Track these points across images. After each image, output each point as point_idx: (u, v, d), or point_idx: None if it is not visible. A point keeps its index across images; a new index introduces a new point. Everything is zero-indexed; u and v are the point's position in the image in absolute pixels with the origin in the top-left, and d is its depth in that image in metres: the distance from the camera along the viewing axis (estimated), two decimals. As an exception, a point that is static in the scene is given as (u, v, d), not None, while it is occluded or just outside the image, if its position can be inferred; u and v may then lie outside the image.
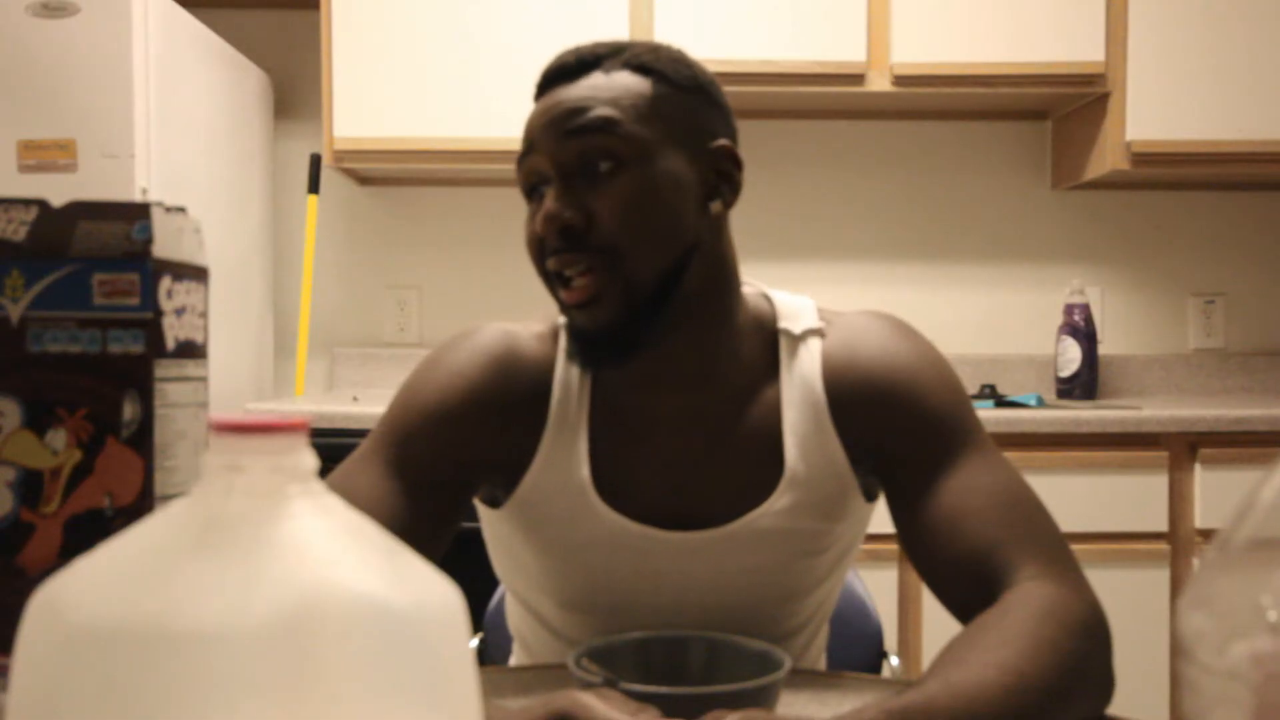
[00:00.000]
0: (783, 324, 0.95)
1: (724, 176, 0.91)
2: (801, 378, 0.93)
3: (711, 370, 0.93)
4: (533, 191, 0.90)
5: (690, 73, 0.91)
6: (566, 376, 0.94)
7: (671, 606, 0.94)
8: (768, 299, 0.98)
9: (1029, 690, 0.71)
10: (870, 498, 0.98)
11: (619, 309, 0.85)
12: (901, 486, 0.91)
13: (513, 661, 1.13)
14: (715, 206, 0.90)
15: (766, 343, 0.95)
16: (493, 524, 1.00)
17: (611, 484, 0.93)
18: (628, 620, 0.94)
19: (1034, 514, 0.86)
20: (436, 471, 0.91)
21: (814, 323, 0.96)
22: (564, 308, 0.89)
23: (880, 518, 0.99)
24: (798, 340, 0.95)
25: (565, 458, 0.93)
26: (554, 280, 0.88)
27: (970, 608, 0.83)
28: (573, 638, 0.98)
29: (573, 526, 0.92)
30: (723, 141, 0.91)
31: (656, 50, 0.90)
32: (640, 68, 0.89)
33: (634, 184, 0.86)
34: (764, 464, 0.93)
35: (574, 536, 0.93)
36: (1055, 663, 0.73)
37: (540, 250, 0.88)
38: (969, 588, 0.84)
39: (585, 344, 0.88)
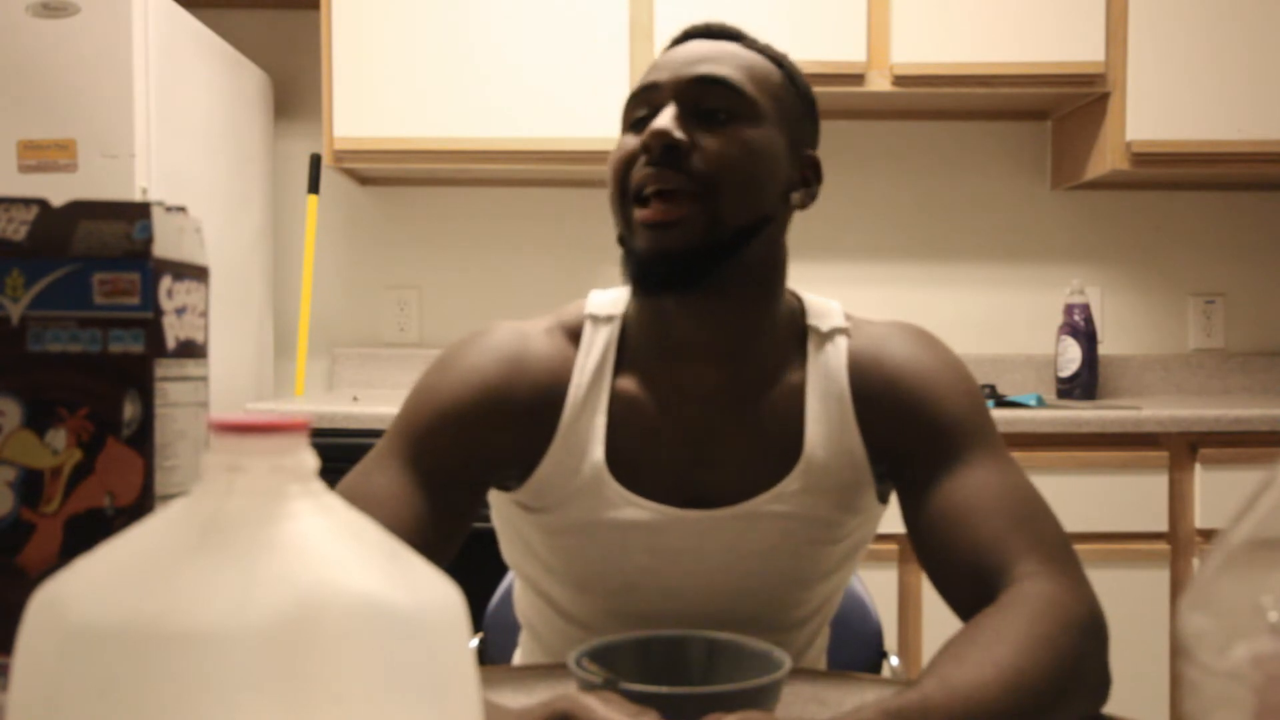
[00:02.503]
0: (812, 321, 0.99)
1: (805, 181, 0.97)
2: (827, 371, 0.96)
3: (744, 346, 0.95)
4: (637, 122, 0.93)
5: (807, 85, 0.98)
6: (586, 361, 0.96)
7: (682, 587, 0.95)
8: (798, 298, 1.02)
9: (1026, 688, 0.71)
10: (883, 499, 1.00)
11: (697, 239, 0.88)
12: (912, 483, 0.92)
13: (519, 649, 1.13)
14: (795, 197, 0.96)
15: (795, 336, 0.98)
16: (502, 506, 1.01)
17: (629, 463, 0.94)
18: (639, 601, 0.95)
19: (1038, 514, 0.87)
20: (454, 468, 0.92)
21: (841, 323, 0.99)
22: (633, 229, 0.90)
23: (883, 517, 1.00)
24: (825, 337, 0.97)
25: (581, 441, 0.94)
26: (630, 201, 0.90)
27: (971, 605, 0.83)
28: (582, 620, 0.99)
29: (586, 506, 0.94)
30: (814, 153, 0.99)
31: (786, 55, 0.98)
32: (774, 58, 0.96)
33: (742, 135, 0.90)
34: (783, 448, 0.94)
35: (587, 516, 0.94)
36: (1052, 660, 0.74)
37: (626, 168, 0.91)
38: (970, 585, 0.85)
39: (651, 265, 0.89)
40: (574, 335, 0.98)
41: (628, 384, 0.96)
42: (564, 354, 0.97)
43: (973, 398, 0.94)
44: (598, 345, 0.96)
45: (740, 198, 0.89)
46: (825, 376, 0.95)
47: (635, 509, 0.93)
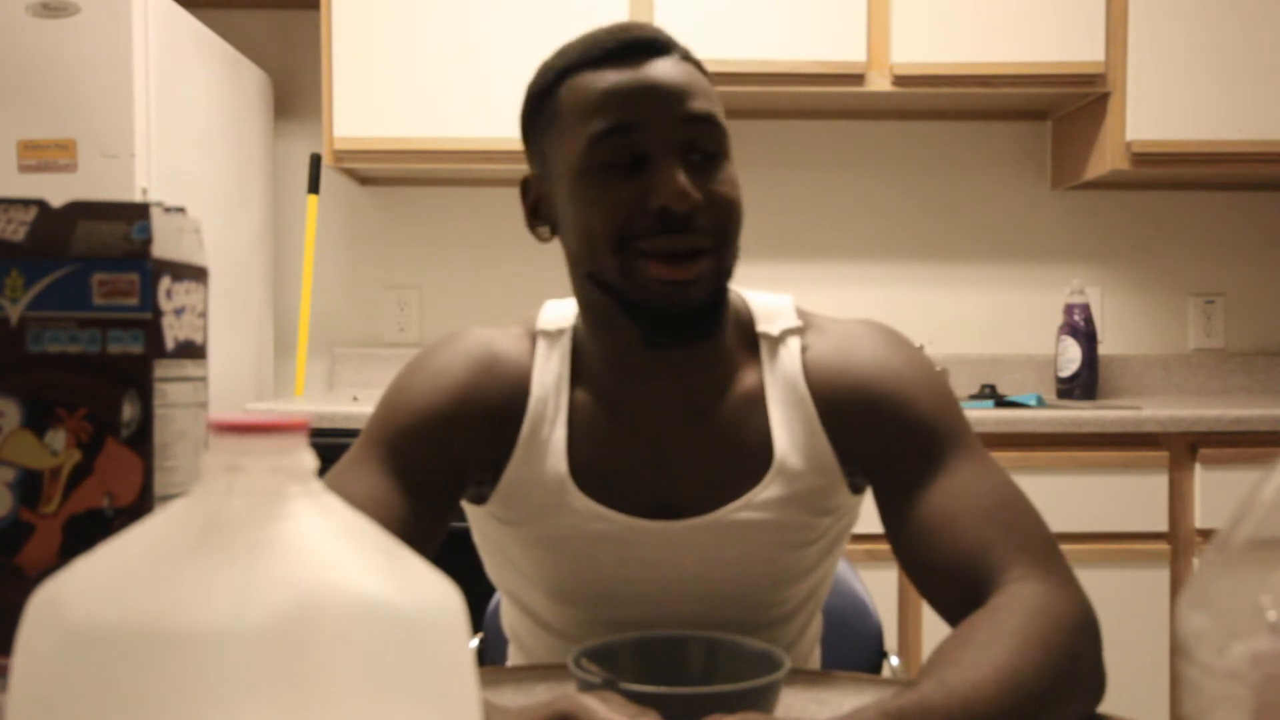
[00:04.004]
0: (761, 327, 0.97)
1: None
2: (784, 376, 0.95)
3: (699, 359, 0.94)
4: (615, 164, 0.87)
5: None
6: (543, 375, 0.96)
7: (658, 595, 0.94)
8: (743, 299, 1.00)
9: (1023, 686, 0.71)
10: (856, 490, 0.99)
11: (710, 292, 0.88)
12: (892, 491, 0.92)
13: (509, 663, 1.13)
14: None
15: (745, 340, 0.97)
16: (480, 522, 1.01)
17: (594, 475, 0.94)
18: (617, 609, 0.95)
19: (1023, 515, 0.87)
20: (428, 470, 0.92)
21: (791, 322, 0.98)
22: (643, 284, 0.87)
23: (874, 516, 1.00)
24: (777, 341, 0.96)
25: (542, 452, 0.94)
26: (632, 255, 0.86)
27: (960, 610, 0.83)
28: (565, 631, 0.99)
29: (554, 518, 0.94)
30: None
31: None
32: (698, 66, 0.92)
33: (732, 176, 0.89)
34: (750, 456, 0.94)
35: (556, 528, 0.94)
36: (1047, 659, 0.74)
37: (625, 224, 0.86)
38: (959, 589, 0.84)
39: (668, 324, 0.88)
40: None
41: (585, 397, 0.96)
42: (530, 360, 0.97)
43: (945, 399, 0.93)
44: (553, 361, 0.96)
45: (737, 241, 0.90)
46: (784, 382, 0.95)
47: (603, 521, 0.93)
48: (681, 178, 0.85)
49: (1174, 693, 2.09)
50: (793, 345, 0.96)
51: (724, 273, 0.89)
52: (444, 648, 0.36)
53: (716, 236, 0.87)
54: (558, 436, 0.94)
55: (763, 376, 0.95)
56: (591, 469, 0.94)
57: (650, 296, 0.87)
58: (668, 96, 0.87)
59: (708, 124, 0.87)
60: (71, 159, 1.96)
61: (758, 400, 0.95)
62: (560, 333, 0.97)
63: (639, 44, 0.89)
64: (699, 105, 0.87)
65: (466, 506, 1.01)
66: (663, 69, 0.88)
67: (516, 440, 0.94)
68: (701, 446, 0.94)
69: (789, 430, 0.94)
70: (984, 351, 2.75)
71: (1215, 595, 0.36)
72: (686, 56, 0.91)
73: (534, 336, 0.99)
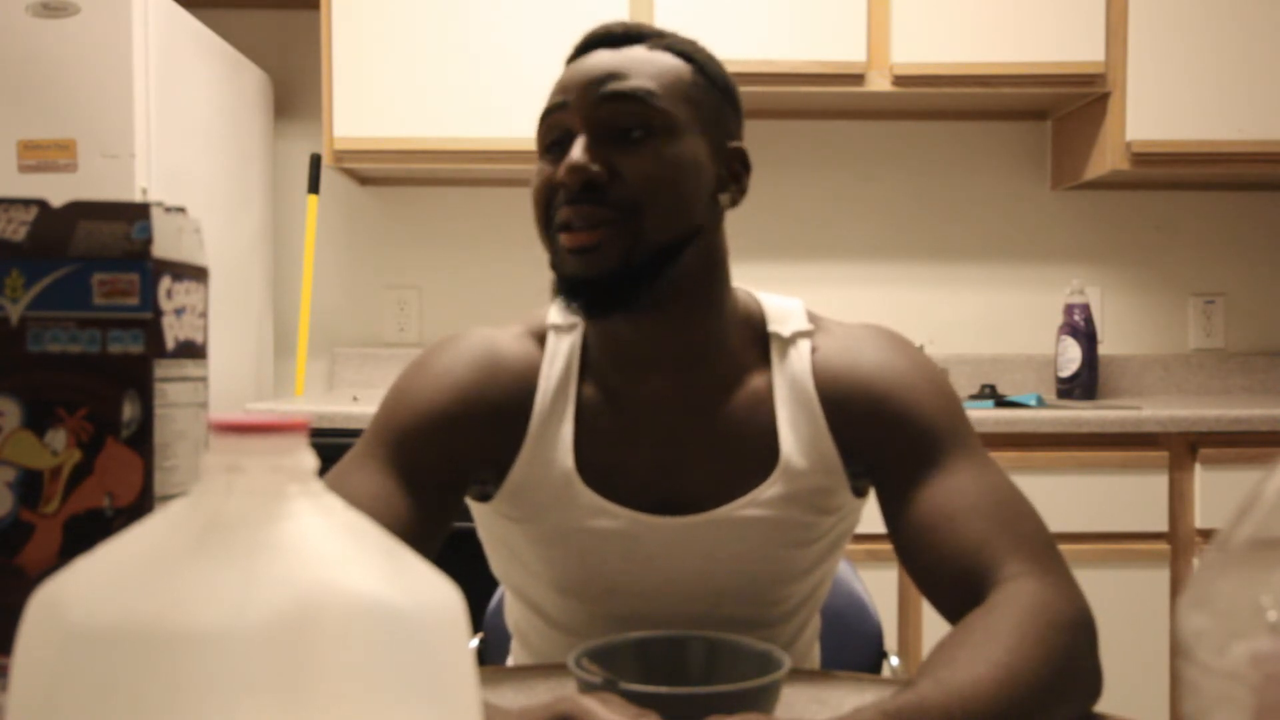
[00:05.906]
0: (772, 328, 0.98)
1: (734, 177, 0.95)
2: (792, 377, 0.96)
3: (698, 353, 0.95)
4: (553, 146, 0.91)
5: (721, 71, 0.95)
6: (551, 369, 0.96)
7: (662, 590, 0.95)
8: (756, 300, 1.01)
9: (1019, 685, 0.71)
10: (859, 494, 0.99)
11: (616, 263, 0.87)
12: (893, 489, 0.92)
13: (511, 659, 1.13)
14: (724, 199, 0.94)
15: (755, 339, 0.98)
16: (485, 519, 1.01)
17: (600, 470, 0.94)
18: (621, 604, 0.95)
19: (1021, 514, 0.87)
20: (431, 470, 0.92)
21: (802, 325, 0.98)
22: (559, 255, 0.91)
23: (873, 516, 1.00)
24: (787, 342, 0.97)
25: (550, 447, 0.94)
26: (555, 229, 0.90)
27: (959, 608, 0.84)
28: (570, 626, 0.99)
29: (561, 513, 0.94)
30: (739, 144, 0.96)
31: (695, 43, 0.95)
32: (682, 53, 0.92)
33: (661, 153, 0.88)
34: (756, 453, 0.94)
35: (563, 523, 0.94)
36: (1044, 658, 0.74)
37: (548, 199, 0.90)
38: (957, 587, 0.85)
39: (572, 292, 0.90)
40: (543, 340, 0.99)
41: (592, 391, 0.96)
42: (533, 358, 0.97)
43: (948, 400, 0.94)
44: (561, 354, 0.97)
45: (664, 217, 0.88)
46: (791, 383, 0.95)
47: (609, 516, 0.93)
48: (578, 151, 0.87)
49: (1174, 693, 2.09)
50: (803, 347, 0.97)
51: (637, 246, 0.87)
52: (444, 648, 0.36)
53: (624, 210, 0.87)
54: (565, 431, 0.95)
55: (771, 376, 0.96)
56: (597, 464, 0.94)
57: (562, 264, 0.90)
58: (592, 78, 0.89)
59: (628, 101, 0.88)
60: (71, 159, 1.96)
61: (765, 399, 0.95)
62: (572, 326, 0.98)
63: (598, 37, 0.93)
64: (622, 85, 0.88)
65: (471, 504, 1.02)
66: (605, 56, 0.91)
67: (523, 438, 0.95)
68: (707, 443, 0.95)
69: (795, 429, 0.94)
70: (984, 351, 2.75)
71: (1215, 595, 0.36)
72: (667, 46, 0.92)
73: (538, 334, 0.99)
